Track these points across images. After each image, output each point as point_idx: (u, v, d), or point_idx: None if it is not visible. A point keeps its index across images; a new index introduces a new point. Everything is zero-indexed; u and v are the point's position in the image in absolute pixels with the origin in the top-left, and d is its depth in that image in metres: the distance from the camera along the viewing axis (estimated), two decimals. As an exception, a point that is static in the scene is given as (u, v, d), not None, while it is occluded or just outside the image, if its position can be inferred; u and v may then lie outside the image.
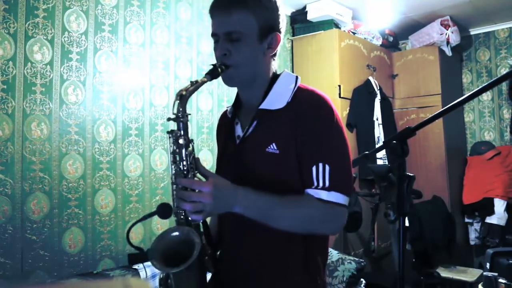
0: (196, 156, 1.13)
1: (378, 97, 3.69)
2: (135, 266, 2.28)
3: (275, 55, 1.22)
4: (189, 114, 1.11)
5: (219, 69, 1.12)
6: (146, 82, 2.65)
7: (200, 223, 1.15)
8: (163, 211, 1.09)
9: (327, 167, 1.08)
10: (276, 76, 1.22)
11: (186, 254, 1.02)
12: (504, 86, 4.15)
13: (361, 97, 3.56)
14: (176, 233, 1.08)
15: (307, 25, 3.68)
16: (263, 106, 1.17)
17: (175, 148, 1.11)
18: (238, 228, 1.20)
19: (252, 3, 1.12)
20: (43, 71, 2.18)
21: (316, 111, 1.13)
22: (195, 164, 1.09)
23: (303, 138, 1.11)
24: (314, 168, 1.09)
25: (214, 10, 1.15)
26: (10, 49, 2.06)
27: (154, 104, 2.68)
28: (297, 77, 1.21)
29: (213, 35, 1.17)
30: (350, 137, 3.47)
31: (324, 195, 1.07)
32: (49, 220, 2.16)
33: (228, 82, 1.18)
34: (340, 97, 3.41)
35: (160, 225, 2.66)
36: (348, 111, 3.49)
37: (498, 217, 3.73)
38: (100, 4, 2.44)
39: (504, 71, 4.22)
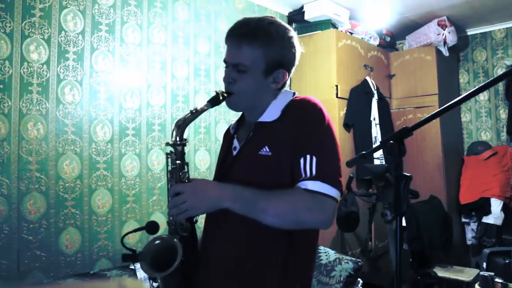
0: (191, 166, 1.21)
1: (375, 97, 3.69)
2: (132, 266, 2.28)
3: (282, 87, 1.28)
4: (186, 141, 1.21)
5: (221, 97, 1.20)
6: (143, 82, 2.65)
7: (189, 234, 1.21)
8: (151, 228, 1.25)
9: (314, 158, 1.11)
10: None
11: (171, 260, 1.11)
12: (500, 86, 4.17)
13: (358, 97, 3.56)
14: (161, 241, 1.19)
15: (304, 25, 3.68)
16: (260, 119, 1.24)
17: (172, 168, 1.20)
18: (217, 239, 1.25)
19: (263, 40, 1.18)
20: (39, 70, 2.17)
21: (307, 113, 1.18)
22: (188, 180, 1.18)
23: (294, 138, 1.15)
24: (302, 160, 1.12)
25: (227, 39, 1.23)
26: (7, 49, 2.06)
27: (151, 104, 2.68)
28: (294, 92, 1.29)
29: (224, 61, 1.25)
30: (347, 137, 3.47)
31: (309, 184, 1.10)
32: (46, 220, 2.16)
33: (231, 107, 1.27)
34: (337, 97, 3.41)
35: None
36: (345, 111, 3.49)
37: (494, 217, 3.74)
38: (97, 4, 2.43)
39: (500, 71, 4.23)
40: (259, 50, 1.18)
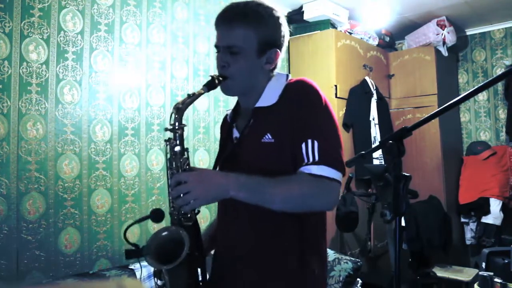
0: (190, 164, 1.18)
1: (375, 97, 3.69)
2: (132, 266, 2.27)
3: (274, 68, 1.28)
4: (185, 125, 1.18)
5: (217, 81, 1.19)
6: (142, 82, 2.64)
7: (192, 224, 1.19)
8: (156, 216, 1.20)
9: (315, 143, 1.12)
10: None
11: (177, 252, 1.08)
12: (499, 86, 4.17)
13: (358, 97, 3.56)
14: (167, 233, 1.15)
15: (304, 25, 3.68)
16: (258, 104, 1.23)
17: (171, 155, 1.16)
18: (231, 228, 1.26)
19: (254, 20, 1.19)
20: (38, 70, 2.17)
21: (304, 96, 1.18)
22: (190, 170, 1.15)
23: (293, 122, 1.16)
24: (303, 145, 1.13)
25: (218, 23, 1.24)
26: (6, 49, 2.05)
27: (151, 104, 2.68)
28: (287, 74, 1.29)
29: (215, 46, 1.24)
30: (346, 137, 3.47)
31: (314, 169, 1.11)
32: (45, 220, 2.15)
33: (226, 91, 1.27)
34: (336, 97, 3.41)
35: (155, 225, 2.65)
36: (344, 111, 3.50)
37: (493, 217, 3.74)
38: (96, 4, 2.43)
39: (499, 71, 4.23)
40: (251, 30, 1.19)
